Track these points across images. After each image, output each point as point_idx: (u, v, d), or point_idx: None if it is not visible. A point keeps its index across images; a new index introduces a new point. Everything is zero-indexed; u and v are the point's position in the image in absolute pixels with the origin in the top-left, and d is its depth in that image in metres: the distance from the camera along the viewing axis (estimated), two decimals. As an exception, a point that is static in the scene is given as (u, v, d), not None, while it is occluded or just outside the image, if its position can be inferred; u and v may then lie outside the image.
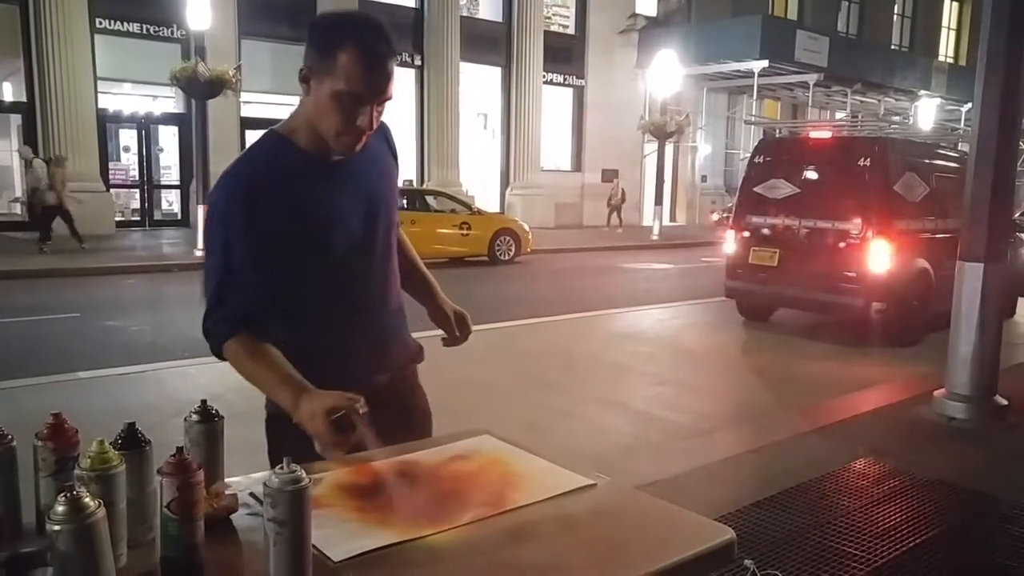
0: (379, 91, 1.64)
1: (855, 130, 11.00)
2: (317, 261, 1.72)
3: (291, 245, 1.67)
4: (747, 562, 3.00)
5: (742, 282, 8.82)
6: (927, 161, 8.83)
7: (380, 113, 1.68)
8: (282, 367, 1.62)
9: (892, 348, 7.65)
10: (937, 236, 8.31)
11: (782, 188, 8.48)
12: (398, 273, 1.92)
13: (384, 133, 1.89)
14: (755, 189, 8.74)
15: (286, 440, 1.66)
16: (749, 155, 9.54)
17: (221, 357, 1.67)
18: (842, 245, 7.91)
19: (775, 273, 8.35)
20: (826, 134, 9.31)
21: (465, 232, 14.61)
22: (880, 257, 7.71)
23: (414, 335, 2.00)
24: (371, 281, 1.83)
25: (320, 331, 1.75)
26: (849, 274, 7.82)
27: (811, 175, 8.51)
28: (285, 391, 1.59)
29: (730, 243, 8.98)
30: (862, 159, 8.01)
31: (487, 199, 22.50)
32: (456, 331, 2.02)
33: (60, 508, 1.01)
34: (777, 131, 11.98)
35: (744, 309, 9.22)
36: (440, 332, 2.07)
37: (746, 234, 8.75)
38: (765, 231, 8.56)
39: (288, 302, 1.71)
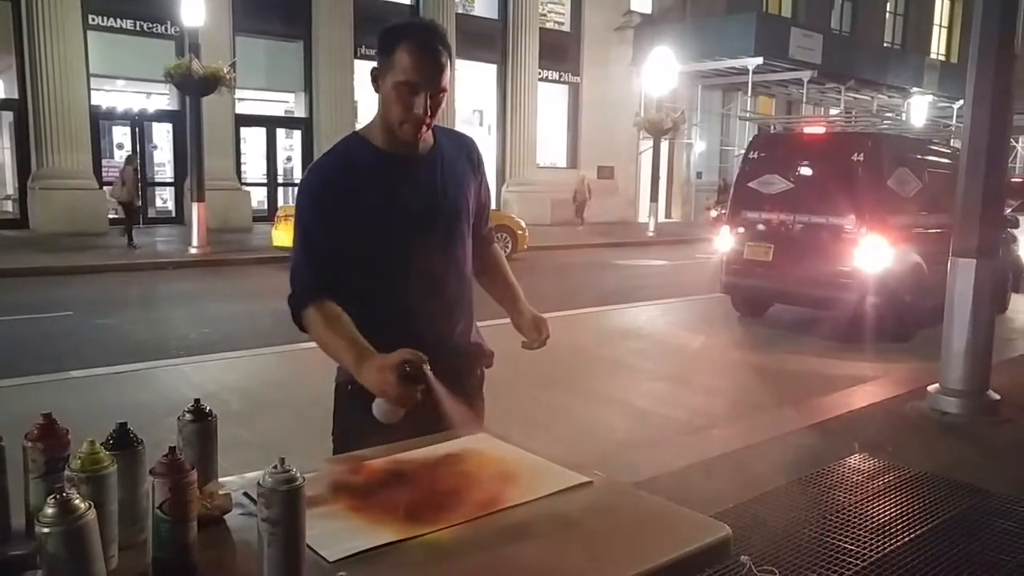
0: (433, 80, 1.82)
1: (848, 126, 11.00)
2: (381, 244, 1.88)
3: (361, 227, 1.86)
4: (743, 558, 3.00)
5: (737, 277, 8.83)
6: (920, 157, 8.83)
7: (437, 104, 1.84)
8: (350, 332, 1.77)
9: (885, 343, 7.63)
10: (930, 231, 8.32)
11: (776, 183, 8.49)
12: (464, 279, 2.04)
13: (467, 146, 2.09)
14: (750, 184, 8.75)
15: (351, 409, 1.87)
16: (744, 151, 9.58)
17: (302, 326, 1.85)
18: (836, 240, 7.92)
19: (770, 268, 8.37)
20: (820, 130, 9.37)
21: (460, 229, 14.57)
22: (873, 252, 7.71)
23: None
24: (428, 269, 1.94)
25: (377, 307, 1.89)
26: (842, 269, 7.82)
27: (805, 170, 8.52)
28: (350, 353, 1.74)
29: (725, 238, 8.97)
30: (855, 154, 8.03)
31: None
32: (534, 335, 2.11)
33: (50, 510, 1.00)
34: (771, 127, 11.93)
35: (739, 304, 9.22)
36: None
37: (741, 229, 8.76)
38: (760, 226, 8.56)
39: (354, 280, 1.87)
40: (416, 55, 1.80)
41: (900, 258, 7.85)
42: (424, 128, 1.86)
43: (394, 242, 1.90)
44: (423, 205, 1.92)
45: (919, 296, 7.99)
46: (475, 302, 2.11)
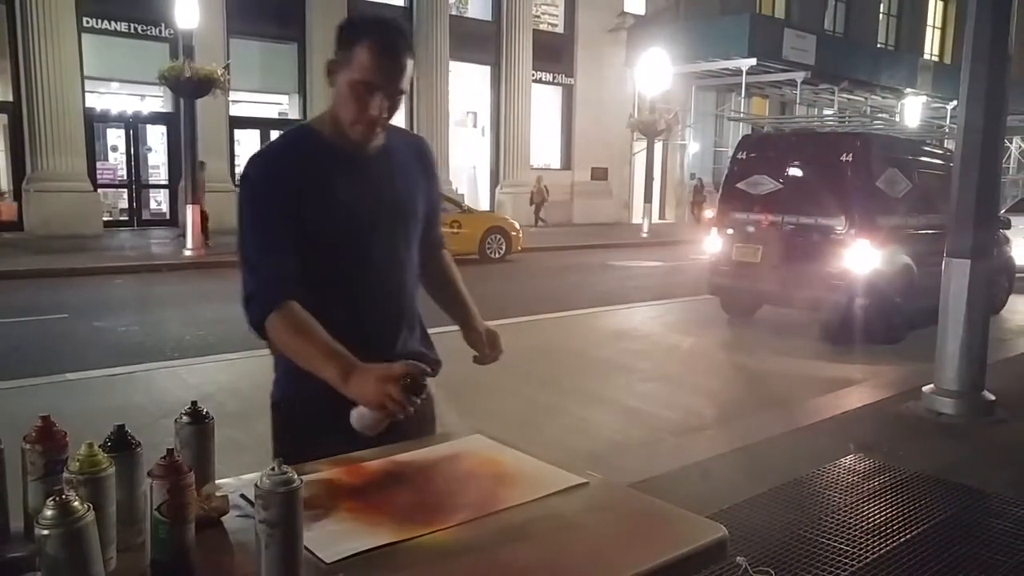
0: (391, 81, 1.74)
1: (839, 126, 11.04)
2: (320, 243, 1.77)
3: (305, 227, 1.75)
4: (739, 559, 3.01)
5: (726, 279, 8.77)
6: (910, 157, 8.77)
7: (394, 105, 1.78)
8: (327, 340, 1.66)
9: (875, 346, 7.61)
10: (920, 232, 8.29)
11: (765, 184, 8.43)
12: (411, 283, 1.96)
13: (420, 149, 2.01)
14: (738, 185, 8.68)
15: (293, 425, 1.78)
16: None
17: (261, 333, 1.72)
18: (825, 242, 7.86)
19: (758, 270, 8.29)
20: (810, 129, 9.44)
21: (455, 230, 14.57)
22: (862, 254, 7.66)
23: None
24: (376, 274, 1.86)
25: (325, 316, 1.75)
26: (832, 271, 7.75)
27: (794, 171, 8.45)
28: (332, 363, 1.62)
29: (713, 239, 8.90)
30: (844, 155, 7.97)
31: (477, 197, 22.51)
32: (487, 350, 2.03)
33: (49, 512, 1.00)
34: (765, 128, 11.96)
35: (728, 306, 9.17)
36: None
37: (729, 230, 8.69)
38: (748, 227, 8.50)
39: (303, 279, 1.76)
40: (378, 55, 1.72)
41: (889, 259, 7.81)
42: (378, 130, 1.80)
43: (343, 242, 1.81)
44: (373, 205, 1.84)
45: (909, 298, 7.94)
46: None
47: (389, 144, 1.89)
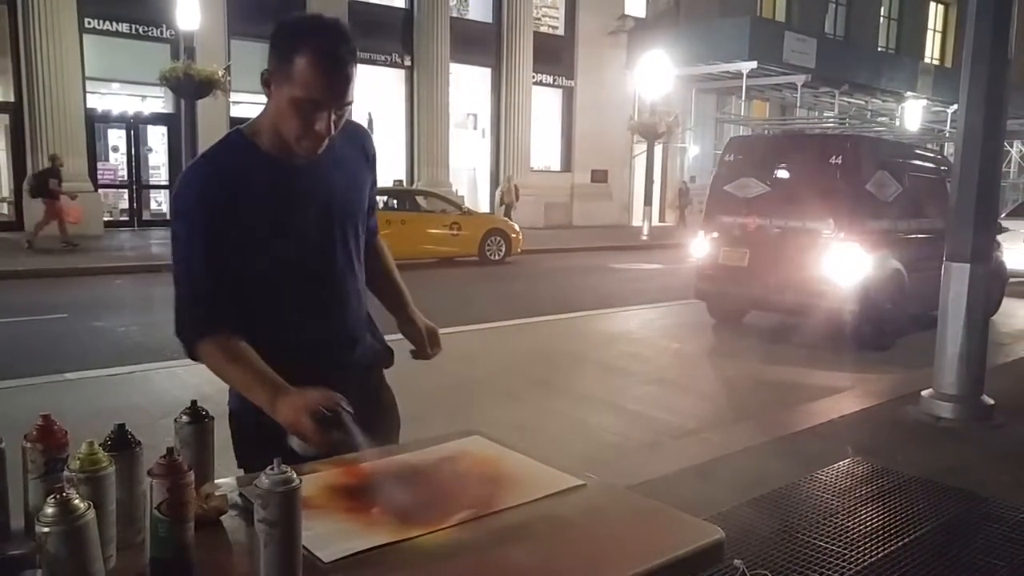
0: (337, 96, 1.62)
1: (830, 128, 10.96)
2: (271, 261, 1.71)
3: (248, 244, 1.67)
4: (736, 562, 3.01)
5: (712, 283, 8.58)
6: (900, 160, 8.62)
7: (341, 117, 1.67)
8: (258, 366, 1.62)
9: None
10: (910, 236, 8.16)
11: (752, 187, 8.23)
12: (362, 280, 1.91)
13: (361, 139, 1.90)
14: (725, 188, 8.50)
15: (248, 436, 1.74)
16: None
17: (195, 358, 1.69)
18: (813, 246, 7.67)
19: (745, 274, 8.11)
20: (798, 131, 9.30)
21: (455, 232, 14.61)
22: (851, 258, 7.49)
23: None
24: (326, 286, 1.81)
25: (275, 331, 1.73)
26: (820, 275, 7.57)
27: (782, 173, 8.25)
28: (262, 390, 1.59)
29: (700, 243, 8.74)
30: (833, 157, 7.79)
31: (477, 199, 22.52)
32: (427, 346, 1.98)
33: (49, 510, 1.01)
34: (766, 130, 11.91)
35: (715, 311, 9.01)
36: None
37: (716, 234, 8.52)
38: (735, 231, 8.32)
39: (247, 300, 1.70)
40: (319, 69, 1.59)
41: (879, 265, 7.64)
42: (325, 143, 1.67)
43: (295, 256, 1.73)
44: (316, 221, 1.76)
45: (899, 303, 7.81)
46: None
47: (333, 144, 1.73)
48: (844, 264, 7.48)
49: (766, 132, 10.05)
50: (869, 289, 7.50)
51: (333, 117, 1.64)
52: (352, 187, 1.85)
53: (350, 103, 1.65)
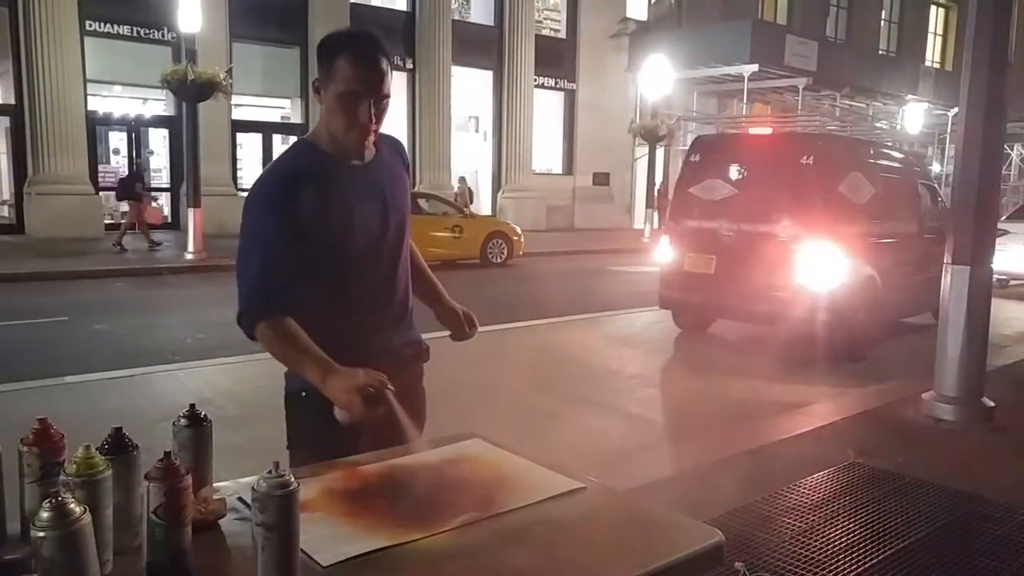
0: (374, 87, 1.84)
1: (808, 126, 10.66)
2: (336, 252, 1.89)
3: (316, 237, 1.84)
4: (738, 564, 3.01)
5: (677, 291, 8.11)
6: (874, 160, 8.22)
7: (381, 111, 1.87)
8: (309, 346, 1.76)
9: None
10: (884, 241, 7.85)
11: (719, 189, 7.79)
12: (409, 273, 2.10)
13: (397, 148, 2.12)
14: (690, 190, 8.06)
15: (305, 417, 1.90)
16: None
17: (252, 338, 1.82)
18: (783, 251, 7.20)
19: (712, 281, 7.64)
20: (767, 130, 8.94)
21: (457, 235, 14.61)
22: (823, 265, 7.06)
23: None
24: (381, 275, 1.99)
25: (331, 317, 1.89)
26: (790, 283, 7.13)
27: (750, 175, 7.75)
28: (314, 368, 1.73)
29: (664, 249, 8.26)
30: (804, 157, 7.33)
31: (479, 202, 22.52)
32: (464, 327, 2.20)
33: (45, 514, 1.00)
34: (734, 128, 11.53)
35: (680, 320, 8.56)
36: (445, 333, 2.25)
37: (681, 239, 8.07)
38: (701, 236, 7.84)
39: (308, 287, 1.85)
40: (356, 65, 1.83)
41: (852, 271, 7.24)
42: (371, 136, 1.90)
43: (351, 252, 1.91)
44: (377, 214, 1.96)
45: (873, 312, 7.46)
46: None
47: (381, 150, 2.01)
48: (815, 271, 7.08)
49: (744, 128, 9.75)
50: (842, 297, 7.11)
51: (373, 109, 1.84)
52: (399, 188, 2.06)
53: (387, 96, 1.87)
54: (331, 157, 1.91)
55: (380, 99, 1.86)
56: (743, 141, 8.52)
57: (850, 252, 7.21)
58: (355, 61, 1.83)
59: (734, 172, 7.81)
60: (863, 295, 7.37)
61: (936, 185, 9.48)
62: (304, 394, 1.87)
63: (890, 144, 9.78)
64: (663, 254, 8.28)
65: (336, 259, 1.90)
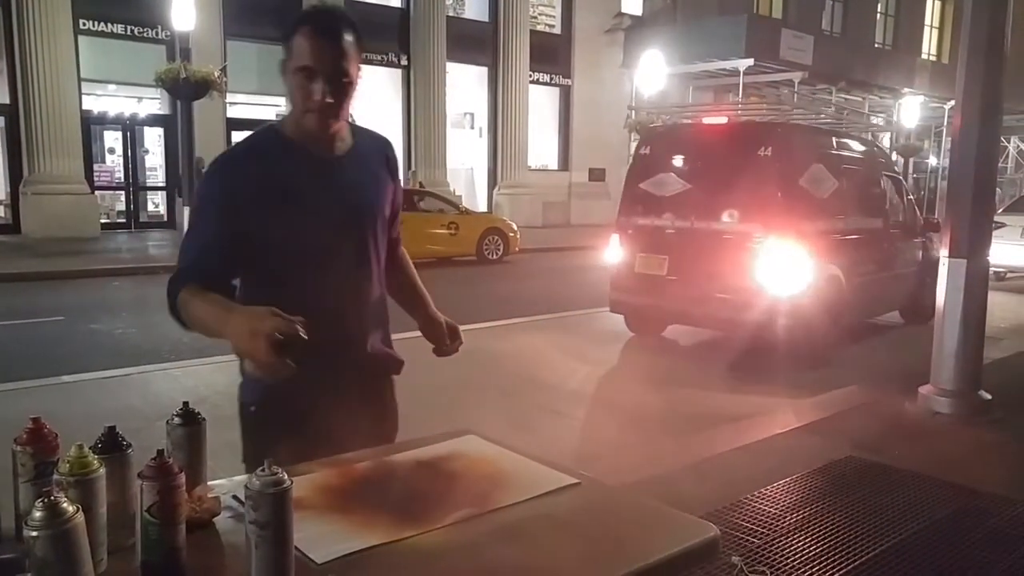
0: (330, 64, 1.72)
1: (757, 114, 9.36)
2: (284, 250, 1.77)
3: (264, 230, 1.74)
4: (735, 559, 3.02)
5: (627, 294, 7.58)
6: (837, 152, 7.64)
7: (342, 92, 1.74)
8: (222, 300, 1.65)
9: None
10: (849, 238, 7.37)
11: (671, 184, 7.26)
12: (378, 284, 1.95)
13: (384, 149, 2.00)
14: (641, 185, 7.52)
15: (258, 434, 1.79)
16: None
17: (178, 317, 1.73)
18: (740, 250, 6.67)
19: (664, 284, 7.11)
20: (722, 119, 7.97)
21: (453, 232, 14.61)
22: (783, 264, 6.53)
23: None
24: (342, 281, 1.85)
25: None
26: (747, 285, 6.60)
27: (705, 168, 7.23)
28: (219, 312, 1.60)
29: (613, 249, 7.71)
30: (762, 148, 6.77)
31: (475, 199, 22.51)
32: (447, 340, 2.08)
33: (37, 514, 1.00)
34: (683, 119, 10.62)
35: (633, 324, 8.06)
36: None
37: (631, 238, 7.53)
38: (653, 234, 7.32)
39: (254, 285, 1.77)
40: (313, 38, 1.72)
41: (815, 270, 6.70)
42: (332, 119, 1.76)
43: (310, 246, 1.79)
44: (341, 208, 1.83)
45: (837, 314, 6.95)
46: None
47: (357, 144, 1.89)
48: (774, 272, 6.54)
49: (698, 118, 8.66)
50: (803, 299, 6.58)
51: (328, 87, 1.71)
52: (373, 189, 1.92)
53: (347, 76, 1.74)
54: (292, 144, 1.80)
55: (337, 76, 1.72)
56: (697, 132, 7.94)
57: (812, 250, 6.69)
58: (311, 34, 1.72)
59: (687, 165, 7.34)
60: (826, 296, 6.84)
61: (901, 177, 9.13)
62: (253, 408, 1.80)
63: (854, 133, 9.28)
64: (612, 254, 7.73)
65: (284, 258, 1.77)
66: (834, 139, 7.80)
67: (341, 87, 1.74)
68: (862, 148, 8.35)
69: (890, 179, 8.53)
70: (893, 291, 8.36)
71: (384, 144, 2.02)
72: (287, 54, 1.75)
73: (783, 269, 6.53)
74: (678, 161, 7.40)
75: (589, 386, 6.31)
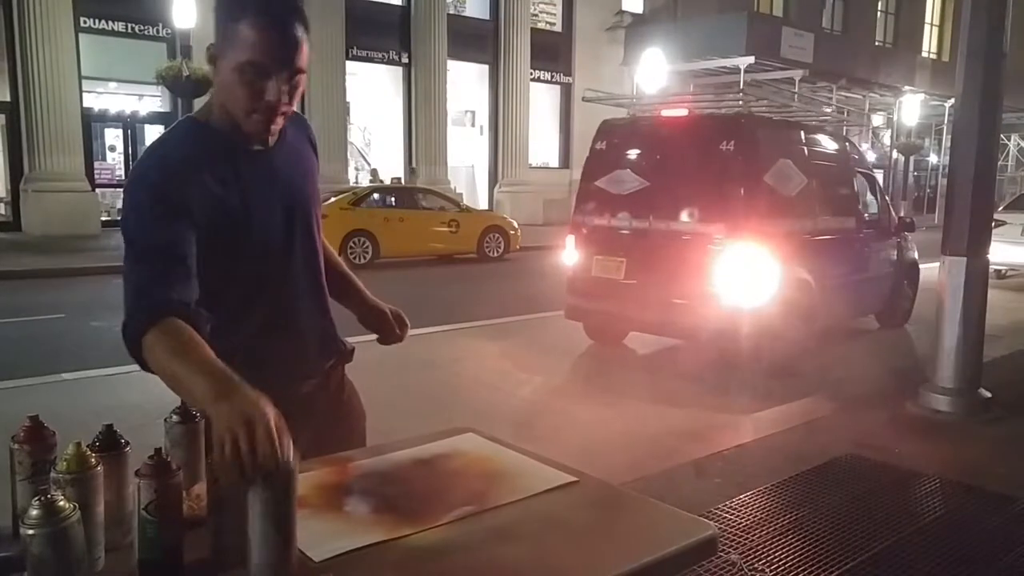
0: (285, 59, 1.51)
1: (721, 106, 8.32)
2: (232, 254, 1.59)
3: (207, 235, 1.53)
4: (734, 557, 3.02)
5: (584, 299, 7.08)
6: (805, 147, 7.09)
7: (295, 88, 1.55)
8: (209, 357, 1.34)
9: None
10: (819, 239, 6.94)
11: (628, 181, 6.80)
12: (323, 275, 1.82)
13: (305, 129, 1.83)
14: (597, 183, 7.08)
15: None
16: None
17: (139, 358, 1.45)
18: (701, 253, 6.20)
19: (622, 288, 6.64)
20: (682, 112, 7.44)
21: (454, 230, 14.61)
22: (745, 268, 6.07)
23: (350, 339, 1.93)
24: (292, 280, 1.71)
25: (236, 332, 1.60)
26: (709, 290, 6.14)
27: (663, 164, 6.71)
28: (206, 380, 1.27)
29: (569, 251, 7.27)
30: (724, 143, 6.29)
31: (476, 196, 22.51)
32: (395, 328, 1.94)
33: (34, 512, 1.00)
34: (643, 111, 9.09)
35: (591, 332, 7.59)
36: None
37: (587, 239, 7.06)
38: (609, 236, 6.86)
39: (206, 299, 1.51)
40: (266, 30, 1.48)
41: (782, 275, 6.26)
42: (281, 119, 1.57)
43: (255, 248, 1.61)
44: (282, 204, 1.66)
45: (807, 320, 6.53)
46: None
47: (285, 132, 1.67)
48: (737, 276, 6.08)
49: (657, 111, 7.99)
50: (769, 306, 6.13)
51: (284, 87, 1.52)
52: (308, 179, 1.76)
53: (301, 72, 1.54)
54: (226, 141, 1.59)
55: (294, 74, 1.52)
56: (655, 125, 7.37)
57: (778, 253, 6.25)
58: (264, 26, 1.47)
59: (645, 161, 6.85)
60: (795, 302, 6.39)
61: (875, 174, 8.66)
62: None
63: (823, 127, 8.52)
64: (568, 256, 7.28)
65: (234, 261, 1.59)
66: (803, 133, 7.27)
67: (295, 85, 1.55)
68: (833, 143, 7.89)
69: (863, 176, 8.13)
70: (867, 294, 8.02)
71: (301, 120, 1.81)
72: (224, 41, 1.51)
73: (746, 273, 6.08)
74: (635, 156, 6.95)
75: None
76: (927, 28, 35.01)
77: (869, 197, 8.15)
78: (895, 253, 8.45)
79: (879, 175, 35.84)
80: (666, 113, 7.51)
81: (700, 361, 6.45)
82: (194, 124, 1.62)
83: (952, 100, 6.31)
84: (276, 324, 1.65)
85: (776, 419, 5.23)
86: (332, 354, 1.85)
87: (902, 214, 9.15)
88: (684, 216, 6.41)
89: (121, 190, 16.65)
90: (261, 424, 1.14)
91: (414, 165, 20.59)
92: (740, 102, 8.11)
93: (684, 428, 5.07)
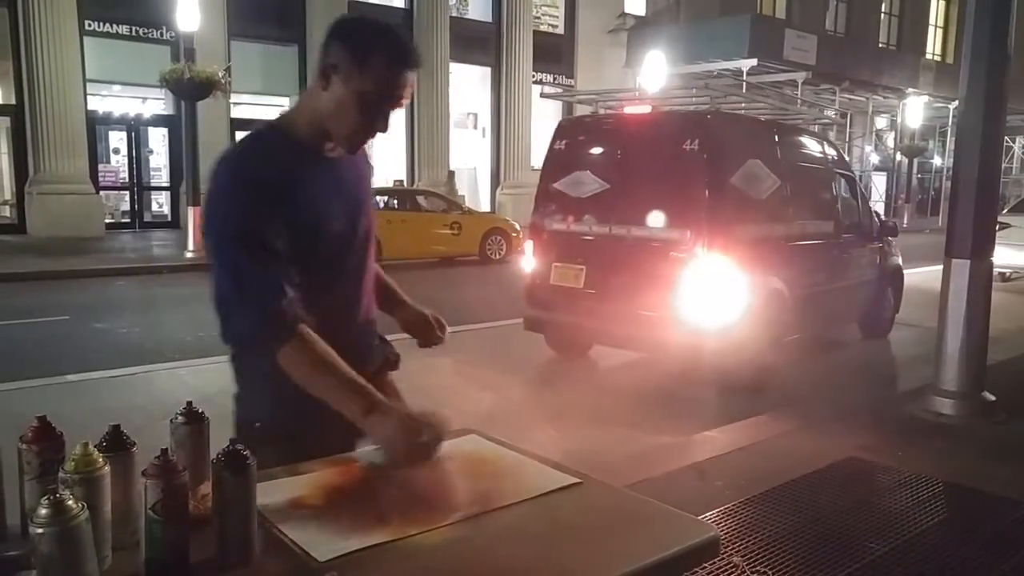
0: (401, 96, 1.68)
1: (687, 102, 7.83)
2: (306, 256, 1.66)
3: (291, 234, 1.62)
4: (736, 559, 3.02)
5: (543, 310, 6.60)
6: (776, 146, 6.64)
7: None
8: (349, 373, 1.58)
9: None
10: (792, 245, 6.53)
11: (588, 183, 6.39)
12: (372, 282, 1.92)
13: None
14: (555, 185, 6.64)
15: (260, 452, 1.60)
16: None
17: (273, 359, 1.59)
18: (664, 260, 5.83)
19: (582, 297, 6.23)
20: (645, 109, 7.00)
21: (456, 232, 14.62)
22: (714, 277, 5.68)
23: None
24: (351, 282, 1.83)
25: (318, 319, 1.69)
26: (673, 300, 5.73)
27: (624, 165, 6.29)
28: (354, 397, 1.55)
29: (527, 258, 6.82)
30: (688, 142, 5.85)
31: (478, 199, 22.52)
32: (435, 330, 2.03)
33: (43, 511, 1.01)
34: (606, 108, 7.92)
35: (552, 343, 7.11)
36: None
37: (546, 245, 6.63)
38: (568, 242, 6.46)
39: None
40: (395, 69, 1.65)
41: (751, 284, 5.88)
42: (370, 140, 1.74)
43: (328, 249, 1.73)
44: (348, 208, 1.78)
45: (780, 332, 6.21)
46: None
47: None
48: (702, 286, 5.68)
49: (619, 108, 7.48)
50: (738, 318, 5.72)
51: (389, 115, 1.69)
52: (367, 185, 1.90)
53: (401, 107, 1.71)
54: (305, 149, 1.70)
55: (400, 106, 1.70)
56: (616, 123, 6.92)
57: (747, 260, 5.85)
58: (395, 66, 1.65)
59: (605, 162, 6.46)
60: (767, 314, 5.99)
61: (854, 175, 8.21)
62: (258, 424, 1.72)
63: (798, 125, 8.07)
64: (526, 263, 6.83)
65: (306, 261, 1.66)
66: (775, 131, 6.82)
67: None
68: (810, 142, 7.44)
69: (843, 177, 7.67)
70: (848, 303, 7.64)
71: None
72: (352, 66, 1.63)
73: (712, 283, 5.68)
74: (596, 157, 6.57)
75: (591, 382, 6.28)
76: (931, 30, 35.00)
77: (849, 200, 7.71)
78: (878, 259, 8.08)
79: (882, 177, 35.49)
80: (628, 110, 7.09)
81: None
82: (276, 135, 1.73)
83: (956, 102, 6.27)
84: (329, 329, 1.66)
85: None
86: (378, 360, 1.95)
87: (884, 217, 8.74)
88: (646, 221, 5.99)
89: (125, 192, 16.73)
90: (414, 431, 1.51)
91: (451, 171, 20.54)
92: (742, 105, 7.99)
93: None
